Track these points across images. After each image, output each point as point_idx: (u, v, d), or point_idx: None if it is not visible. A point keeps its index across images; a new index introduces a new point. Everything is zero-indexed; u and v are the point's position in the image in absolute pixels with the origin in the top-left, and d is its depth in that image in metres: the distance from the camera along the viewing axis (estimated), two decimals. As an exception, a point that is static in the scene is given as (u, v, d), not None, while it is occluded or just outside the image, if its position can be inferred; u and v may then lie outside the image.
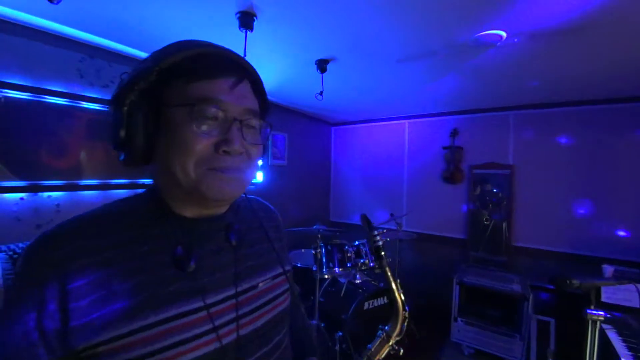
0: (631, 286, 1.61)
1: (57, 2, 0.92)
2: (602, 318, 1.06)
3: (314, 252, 2.67)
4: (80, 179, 1.77)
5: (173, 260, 0.48)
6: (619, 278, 2.27)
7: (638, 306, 1.93)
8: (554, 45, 1.68)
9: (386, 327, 0.71)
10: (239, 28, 1.44)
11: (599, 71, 2.01)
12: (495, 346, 2.54)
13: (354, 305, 2.42)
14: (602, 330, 1.88)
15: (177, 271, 0.48)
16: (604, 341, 1.82)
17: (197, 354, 0.46)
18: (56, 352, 0.41)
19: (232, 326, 0.51)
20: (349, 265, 2.71)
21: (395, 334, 0.69)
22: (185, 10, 1.44)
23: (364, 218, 0.77)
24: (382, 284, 2.66)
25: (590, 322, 1.08)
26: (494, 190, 3.16)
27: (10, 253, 1.46)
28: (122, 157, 0.49)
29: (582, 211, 2.71)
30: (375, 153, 4.02)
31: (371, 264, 2.76)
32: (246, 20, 1.40)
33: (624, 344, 1.74)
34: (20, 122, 1.60)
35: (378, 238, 0.73)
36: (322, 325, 2.54)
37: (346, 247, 2.73)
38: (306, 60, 1.97)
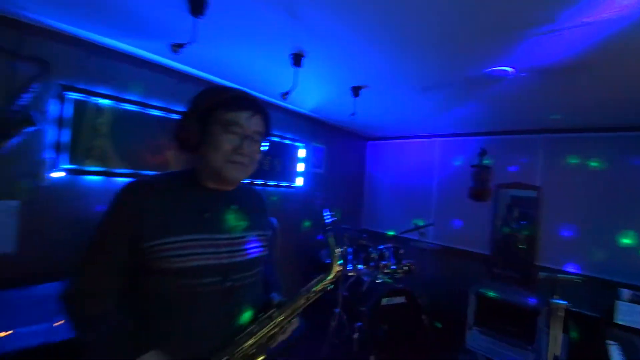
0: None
1: (178, 53, 1.43)
2: (564, 307, 1.29)
3: (341, 249, 3.03)
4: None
5: (198, 210, 0.83)
6: (637, 302, 2.34)
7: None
8: (561, 79, 1.91)
9: (329, 260, 0.99)
10: (292, 65, 1.91)
11: (610, 101, 2.18)
12: (509, 357, 2.66)
13: (373, 300, 2.72)
14: (605, 345, 2.00)
15: (200, 216, 0.83)
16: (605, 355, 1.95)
17: (204, 262, 0.79)
18: (134, 247, 0.75)
19: (228, 255, 0.84)
20: (372, 264, 3.03)
21: (328, 279, 0.96)
22: (252, 53, 1.97)
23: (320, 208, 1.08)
24: (401, 285, 2.92)
25: (552, 309, 1.32)
26: (525, 211, 3.28)
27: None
28: (179, 147, 0.85)
29: (605, 235, 2.76)
30: (407, 168, 4.29)
31: (392, 267, 3.06)
32: (297, 59, 1.87)
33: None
34: (131, 127, 2.21)
35: (329, 217, 1.02)
36: (345, 316, 2.86)
37: (370, 249, 3.05)
38: (343, 87, 2.40)
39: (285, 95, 2.00)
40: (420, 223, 3.28)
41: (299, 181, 3.61)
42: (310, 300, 0.93)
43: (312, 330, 3.04)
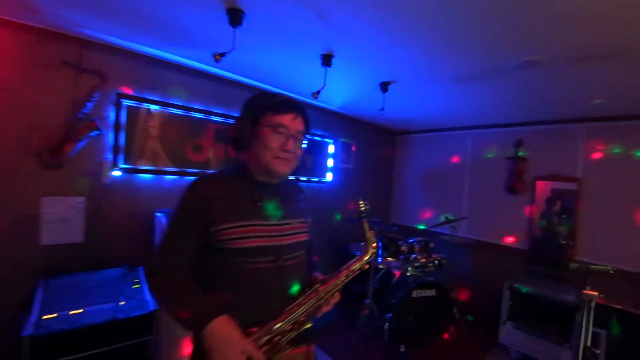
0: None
1: (219, 62, 1.58)
2: (595, 294, 1.29)
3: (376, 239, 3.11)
4: (208, 170, 2.57)
5: (252, 200, 0.97)
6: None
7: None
8: (598, 66, 1.85)
9: (358, 253, 1.09)
10: (322, 65, 2.00)
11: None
12: (544, 353, 2.61)
13: (403, 292, 2.77)
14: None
15: (254, 205, 0.97)
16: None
17: (259, 244, 0.94)
18: (201, 234, 0.91)
19: (278, 238, 0.98)
20: (401, 257, 3.07)
21: (365, 259, 1.07)
22: (285, 56, 2.08)
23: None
24: (431, 278, 2.94)
25: (585, 300, 1.33)
26: (566, 205, 3.14)
27: (166, 214, 2.23)
28: (234, 147, 1.00)
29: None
30: (437, 161, 4.24)
31: (423, 260, 3.08)
32: (327, 60, 1.95)
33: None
34: (176, 129, 2.42)
35: (363, 206, 1.11)
36: (375, 307, 2.94)
37: (400, 242, 3.10)
38: (371, 83, 2.45)
39: (316, 94, 2.10)
40: (450, 217, 3.26)
41: (329, 176, 3.72)
42: (350, 277, 1.04)
43: (344, 321, 3.16)
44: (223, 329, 0.83)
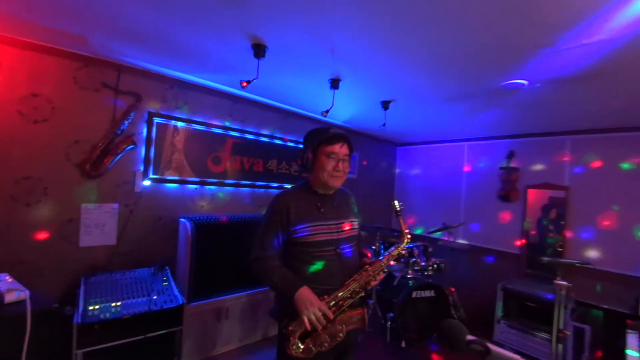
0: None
1: (245, 88, 1.86)
2: (566, 285, 1.53)
3: (373, 247, 3.35)
4: (225, 179, 2.84)
5: (316, 207, 1.36)
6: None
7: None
8: (572, 88, 2.11)
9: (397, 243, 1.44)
10: (330, 88, 2.28)
11: (624, 106, 2.32)
12: (535, 349, 2.81)
13: (404, 292, 2.99)
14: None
15: (318, 210, 1.36)
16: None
17: (323, 238, 1.33)
18: (284, 232, 1.32)
19: (335, 233, 1.36)
20: (402, 261, 3.29)
21: (401, 247, 1.44)
22: (298, 80, 2.37)
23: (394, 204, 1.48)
24: (430, 280, 3.15)
25: (557, 289, 1.57)
26: (561, 212, 3.36)
27: (190, 220, 2.47)
28: (299, 170, 1.44)
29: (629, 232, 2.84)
30: (436, 171, 4.51)
31: (422, 264, 3.30)
32: (335, 83, 2.24)
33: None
34: (199, 143, 2.70)
35: (398, 206, 1.45)
36: (378, 307, 3.15)
37: (401, 247, 3.32)
38: (373, 102, 2.74)
39: (325, 113, 2.38)
40: (448, 223, 3.49)
41: (334, 185, 3.97)
42: (390, 261, 1.42)
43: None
44: (306, 294, 1.22)
